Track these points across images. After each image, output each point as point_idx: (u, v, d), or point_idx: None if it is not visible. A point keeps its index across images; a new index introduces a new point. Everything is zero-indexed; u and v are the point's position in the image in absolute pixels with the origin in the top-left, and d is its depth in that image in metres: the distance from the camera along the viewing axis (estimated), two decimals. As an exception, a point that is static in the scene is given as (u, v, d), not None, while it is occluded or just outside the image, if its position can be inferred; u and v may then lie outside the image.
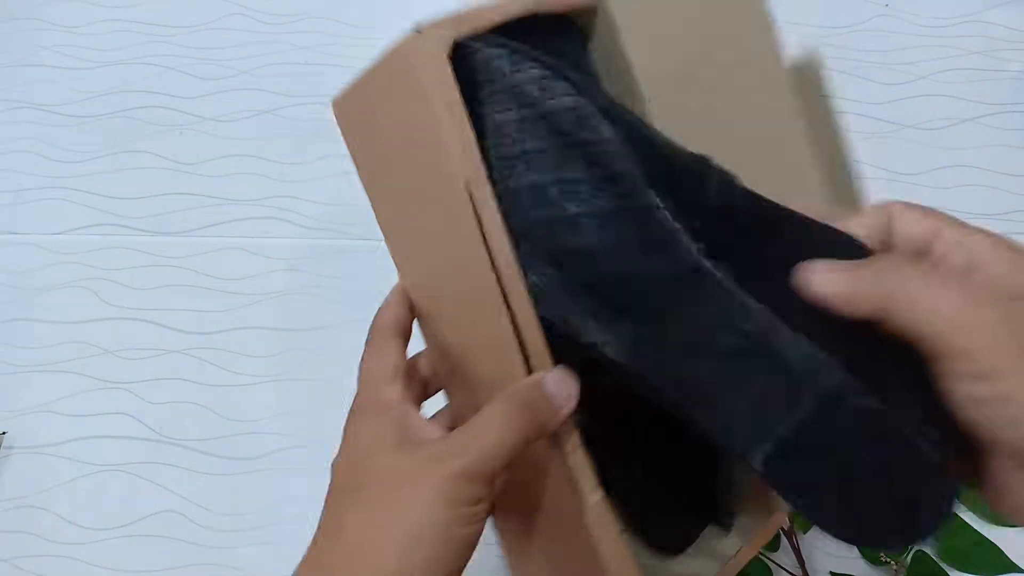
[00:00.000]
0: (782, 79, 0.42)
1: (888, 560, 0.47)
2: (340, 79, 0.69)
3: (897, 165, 0.62)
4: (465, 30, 0.27)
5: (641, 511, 0.34)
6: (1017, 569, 0.46)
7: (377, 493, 0.26)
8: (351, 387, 0.31)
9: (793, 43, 0.53)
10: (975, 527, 0.48)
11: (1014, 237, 0.64)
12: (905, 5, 0.69)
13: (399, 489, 0.25)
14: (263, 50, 0.70)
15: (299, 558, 0.27)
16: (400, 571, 0.24)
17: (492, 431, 0.26)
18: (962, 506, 0.49)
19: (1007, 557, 0.47)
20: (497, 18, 0.27)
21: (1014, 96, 0.64)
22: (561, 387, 0.27)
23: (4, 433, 0.55)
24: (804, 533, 0.49)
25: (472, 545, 0.27)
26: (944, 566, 0.47)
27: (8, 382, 0.57)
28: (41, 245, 0.62)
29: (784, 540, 0.49)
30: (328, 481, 0.29)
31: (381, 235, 0.33)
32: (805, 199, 0.25)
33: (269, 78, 0.69)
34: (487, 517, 0.27)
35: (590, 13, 0.33)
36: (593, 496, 0.28)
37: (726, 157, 0.34)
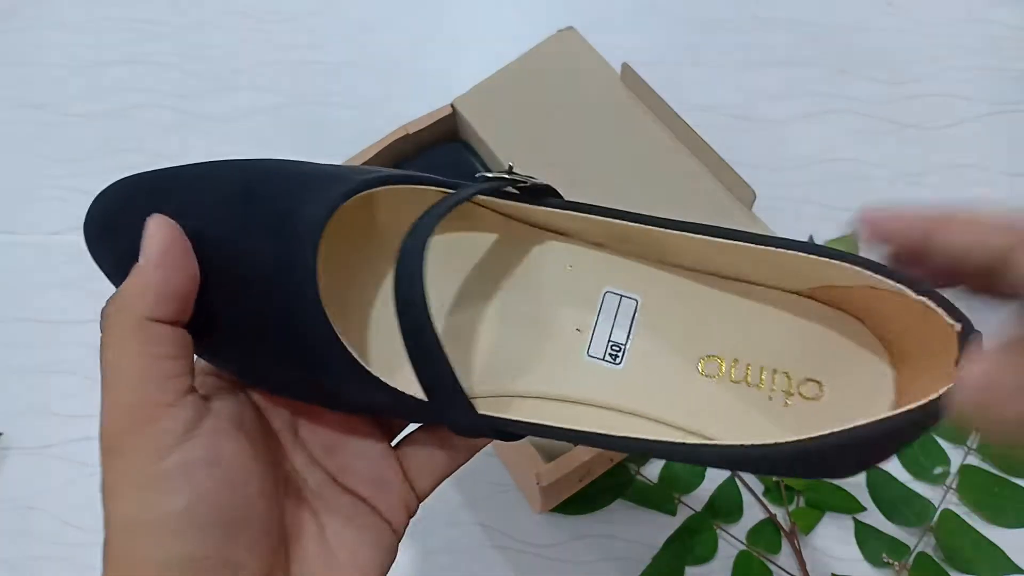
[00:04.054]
0: (636, 111, 0.51)
1: (890, 562, 0.47)
2: (340, 79, 0.69)
3: (898, 164, 0.62)
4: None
5: None
6: (1017, 569, 0.46)
7: None
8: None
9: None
10: (975, 527, 0.47)
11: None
12: (907, 4, 0.69)
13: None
14: (263, 49, 0.70)
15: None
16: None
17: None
18: (962, 506, 0.49)
19: (1007, 557, 0.46)
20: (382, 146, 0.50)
21: (1016, 96, 0.64)
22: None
23: (2, 434, 0.54)
24: (805, 535, 0.49)
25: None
26: (944, 566, 0.47)
27: (7, 382, 0.57)
28: (40, 245, 0.62)
29: (785, 543, 0.48)
30: None
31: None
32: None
33: (269, 78, 0.69)
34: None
35: (453, 117, 0.52)
36: None
37: (608, 188, 0.49)
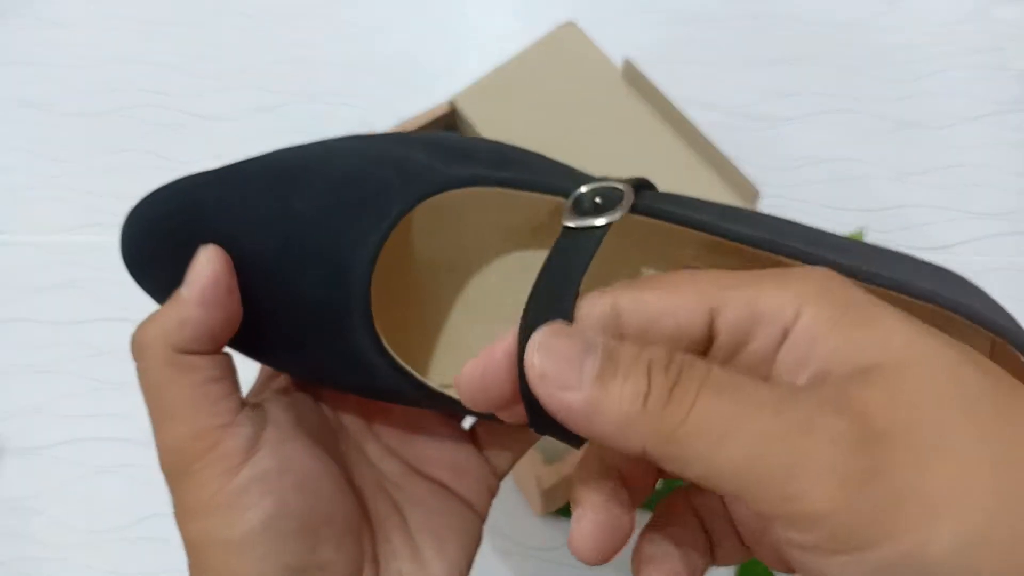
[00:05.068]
0: (638, 110, 0.51)
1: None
2: (340, 78, 0.69)
3: (899, 163, 0.61)
4: None
5: None
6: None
7: None
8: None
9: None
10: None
11: (1015, 237, 0.64)
12: (908, 2, 0.69)
13: None
14: (262, 48, 0.70)
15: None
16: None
17: None
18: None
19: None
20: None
21: (1018, 95, 0.64)
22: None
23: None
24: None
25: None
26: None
27: (3, 383, 0.56)
28: (37, 245, 0.62)
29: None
30: None
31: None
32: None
33: (268, 77, 0.68)
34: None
35: (452, 115, 0.52)
36: None
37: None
